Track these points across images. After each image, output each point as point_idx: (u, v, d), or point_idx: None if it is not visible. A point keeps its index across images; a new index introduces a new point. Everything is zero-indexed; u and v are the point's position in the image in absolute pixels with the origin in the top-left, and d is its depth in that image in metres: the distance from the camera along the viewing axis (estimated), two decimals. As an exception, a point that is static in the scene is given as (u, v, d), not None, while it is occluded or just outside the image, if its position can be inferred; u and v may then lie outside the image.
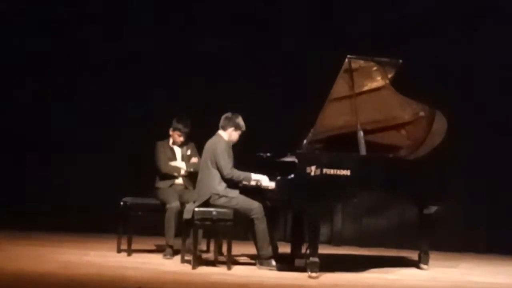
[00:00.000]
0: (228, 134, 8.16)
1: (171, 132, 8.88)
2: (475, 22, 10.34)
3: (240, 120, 8.18)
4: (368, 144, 8.04)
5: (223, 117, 8.21)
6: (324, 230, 9.97)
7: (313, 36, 10.33)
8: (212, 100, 10.07)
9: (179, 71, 10.33)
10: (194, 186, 8.47)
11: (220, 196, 7.99)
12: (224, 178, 8.01)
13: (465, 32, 10.37)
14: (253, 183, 7.98)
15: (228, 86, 10.29)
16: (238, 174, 8.02)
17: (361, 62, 8.04)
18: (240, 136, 8.21)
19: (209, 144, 8.16)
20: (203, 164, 8.16)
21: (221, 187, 8.01)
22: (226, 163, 8.00)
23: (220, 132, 8.19)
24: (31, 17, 10.46)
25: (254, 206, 7.97)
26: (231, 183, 8.03)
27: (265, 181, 7.95)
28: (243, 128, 8.19)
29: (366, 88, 8.24)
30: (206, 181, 8.05)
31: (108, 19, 10.42)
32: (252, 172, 8.04)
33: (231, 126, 8.15)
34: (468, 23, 10.34)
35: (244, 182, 8.01)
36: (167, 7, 10.46)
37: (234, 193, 8.02)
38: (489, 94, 10.30)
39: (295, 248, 8.49)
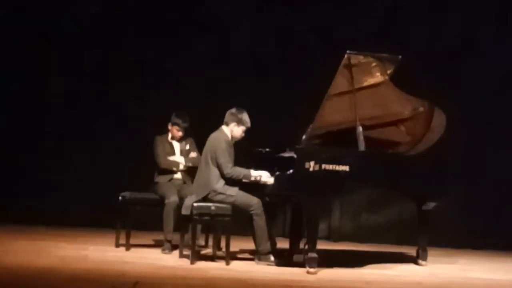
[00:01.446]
0: (230, 130, 8.13)
1: (170, 127, 8.87)
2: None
3: (243, 116, 8.10)
4: (367, 139, 8.04)
5: (228, 112, 8.16)
6: (322, 226, 9.93)
7: (313, 35, 10.33)
8: (212, 97, 10.06)
9: (180, 70, 10.33)
10: (193, 181, 8.46)
11: (218, 193, 7.98)
12: (223, 176, 8.00)
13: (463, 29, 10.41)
14: (252, 179, 7.97)
15: (228, 82, 10.27)
16: (238, 173, 7.98)
17: (361, 57, 8.03)
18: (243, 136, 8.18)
19: (211, 139, 8.11)
20: (203, 159, 8.13)
21: (220, 184, 7.99)
22: (227, 162, 7.97)
23: (223, 127, 8.15)
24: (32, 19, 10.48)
25: (253, 201, 7.96)
26: (230, 181, 8.02)
27: (264, 177, 7.94)
28: (247, 124, 8.11)
29: (365, 83, 8.23)
30: (205, 178, 8.02)
31: (108, 19, 10.41)
32: (251, 167, 8.03)
33: (233, 121, 8.10)
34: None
35: (244, 180, 8.00)
36: (166, 7, 10.46)
37: (233, 191, 7.99)
38: (490, 91, 10.31)
39: (294, 243, 8.49)
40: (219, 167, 7.98)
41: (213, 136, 8.14)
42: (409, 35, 10.16)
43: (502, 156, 10.26)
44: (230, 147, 8.08)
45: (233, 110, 8.15)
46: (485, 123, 10.24)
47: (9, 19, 10.40)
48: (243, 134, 8.16)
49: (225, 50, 10.39)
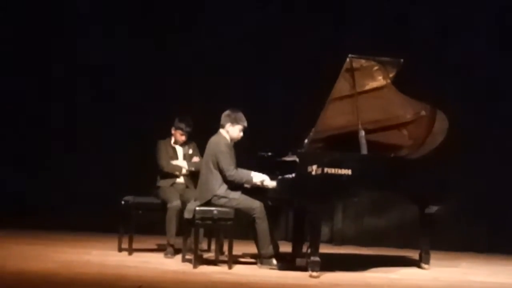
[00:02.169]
0: (227, 131, 8.11)
1: (173, 131, 8.88)
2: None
3: (238, 115, 8.08)
4: (369, 143, 8.04)
5: (222, 114, 8.15)
6: (325, 230, 9.97)
7: (314, 35, 10.33)
8: (212, 100, 10.05)
9: (180, 71, 10.33)
10: (195, 185, 8.47)
11: (221, 197, 7.98)
12: (225, 180, 8.00)
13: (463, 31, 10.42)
14: (254, 183, 7.97)
15: (229, 84, 10.27)
16: (240, 177, 7.98)
17: (363, 61, 8.03)
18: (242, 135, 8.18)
19: (211, 143, 8.10)
20: (204, 164, 8.13)
21: (222, 189, 7.98)
22: (228, 165, 7.96)
23: (221, 130, 8.14)
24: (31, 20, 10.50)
25: (256, 205, 7.96)
26: (233, 184, 8.01)
27: (266, 181, 7.94)
28: (243, 122, 8.09)
29: (367, 87, 8.24)
30: (207, 182, 8.01)
31: (108, 20, 10.43)
32: (253, 171, 8.01)
33: (229, 122, 8.09)
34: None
35: (246, 185, 8.00)
36: (166, 8, 10.47)
37: (236, 194, 7.99)
38: (490, 93, 10.31)
39: (296, 247, 8.48)
40: (221, 171, 7.98)
41: (212, 140, 8.13)
42: (410, 36, 10.18)
43: (504, 157, 10.25)
44: (230, 150, 8.08)
45: (227, 111, 8.13)
46: (487, 123, 10.24)
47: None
48: (240, 134, 8.14)
49: (226, 51, 10.38)
